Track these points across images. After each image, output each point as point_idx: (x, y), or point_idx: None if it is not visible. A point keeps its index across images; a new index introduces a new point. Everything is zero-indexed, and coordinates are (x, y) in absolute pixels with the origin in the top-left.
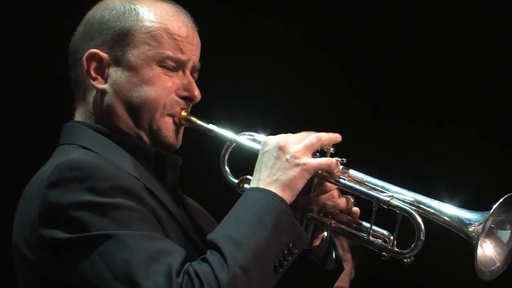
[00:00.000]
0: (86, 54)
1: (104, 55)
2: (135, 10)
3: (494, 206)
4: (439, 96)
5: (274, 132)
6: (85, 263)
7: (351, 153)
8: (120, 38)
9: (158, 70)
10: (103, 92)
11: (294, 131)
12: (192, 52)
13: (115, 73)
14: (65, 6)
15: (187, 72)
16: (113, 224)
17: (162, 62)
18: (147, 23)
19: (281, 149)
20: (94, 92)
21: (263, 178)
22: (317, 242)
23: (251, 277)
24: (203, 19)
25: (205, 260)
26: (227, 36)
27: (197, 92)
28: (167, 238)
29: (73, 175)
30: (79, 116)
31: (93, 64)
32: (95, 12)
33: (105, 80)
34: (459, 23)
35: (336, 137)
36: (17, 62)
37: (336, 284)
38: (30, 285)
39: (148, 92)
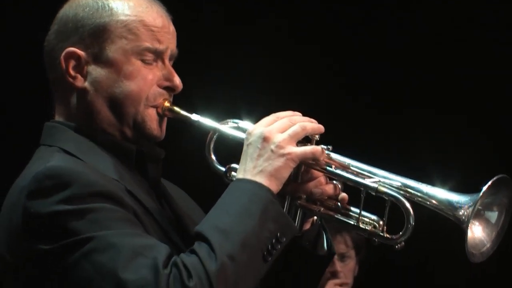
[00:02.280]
0: (63, 53)
1: (81, 53)
2: (108, 5)
3: (484, 188)
4: (427, 82)
5: (258, 118)
6: (71, 267)
7: (338, 138)
8: (97, 35)
9: (137, 63)
10: (83, 91)
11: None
12: (170, 41)
13: (94, 70)
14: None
15: (166, 62)
16: (94, 226)
17: (141, 55)
18: (122, 17)
19: (265, 139)
20: (74, 92)
21: (249, 169)
22: (307, 226)
23: (240, 266)
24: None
25: (192, 252)
26: (207, 24)
27: (178, 81)
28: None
29: (52, 184)
30: (59, 117)
31: (72, 63)
32: (67, 10)
33: (85, 78)
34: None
35: (320, 128)
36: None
37: (341, 280)
38: None
39: (129, 86)
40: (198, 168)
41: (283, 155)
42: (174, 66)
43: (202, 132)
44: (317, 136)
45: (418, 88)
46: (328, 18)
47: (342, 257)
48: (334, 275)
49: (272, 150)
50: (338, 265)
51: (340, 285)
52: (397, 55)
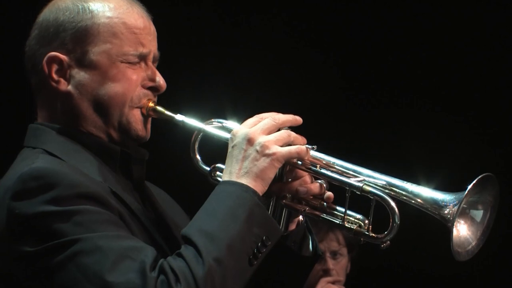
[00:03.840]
0: (45, 58)
1: (64, 57)
2: (88, 8)
3: (469, 187)
4: (414, 78)
5: (243, 118)
6: (57, 270)
7: (323, 137)
8: (79, 39)
9: (121, 66)
10: (67, 94)
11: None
12: (151, 43)
13: (77, 74)
14: None
15: (149, 63)
16: (80, 228)
17: (124, 57)
18: (104, 20)
19: (249, 141)
20: (58, 96)
21: (234, 172)
22: (292, 227)
23: (226, 270)
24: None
25: (179, 255)
26: (193, 22)
27: (162, 81)
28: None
29: (36, 185)
30: (42, 120)
31: (54, 67)
32: (47, 15)
33: (68, 81)
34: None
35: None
36: None
37: (333, 278)
38: None
39: (114, 88)
40: (182, 168)
41: (268, 155)
42: (158, 66)
43: (187, 132)
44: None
45: (405, 83)
46: (319, 10)
47: (334, 255)
48: (326, 272)
49: (257, 151)
50: (330, 263)
51: (333, 282)
52: (387, 50)
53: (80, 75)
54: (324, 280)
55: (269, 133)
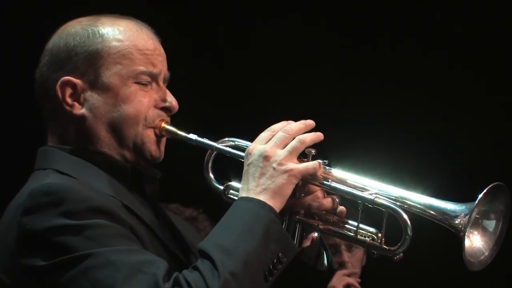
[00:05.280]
0: (59, 83)
1: (77, 81)
2: (98, 32)
3: (479, 197)
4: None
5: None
6: (68, 284)
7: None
8: (91, 62)
9: (134, 87)
10: (81, 118)
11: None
12: (162, 63)
13: (91, 97)
14: None
15: (161, 84)
16: (91, 243)
17: (136, 78)
18: (115, 43)
19: (266, 158)
20: (72, 119)
21: (251, 188)
22: (307, 243)
23: (242, 284)
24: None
25: (195, 268)
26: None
27: (174, 102)
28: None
29: (47, 200)
30: (53, 143)
31: (68, 91)
32: (57, 41)
33: (82, 105)
34: None
35: (318, 136)
36: None
37: (348, 270)
38: None
39: (127, 109)
40: (196, 186)
41: (285, 172)
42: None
43: (200, 151)
44: (313, 150)
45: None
46: None
47: (350, 247)
48: (342, 265)
49: (274, 168)
50: (346, 255)
51: (348, 275)
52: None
53: (93, 98)
54: (339, 273)
55: (284, 146)
